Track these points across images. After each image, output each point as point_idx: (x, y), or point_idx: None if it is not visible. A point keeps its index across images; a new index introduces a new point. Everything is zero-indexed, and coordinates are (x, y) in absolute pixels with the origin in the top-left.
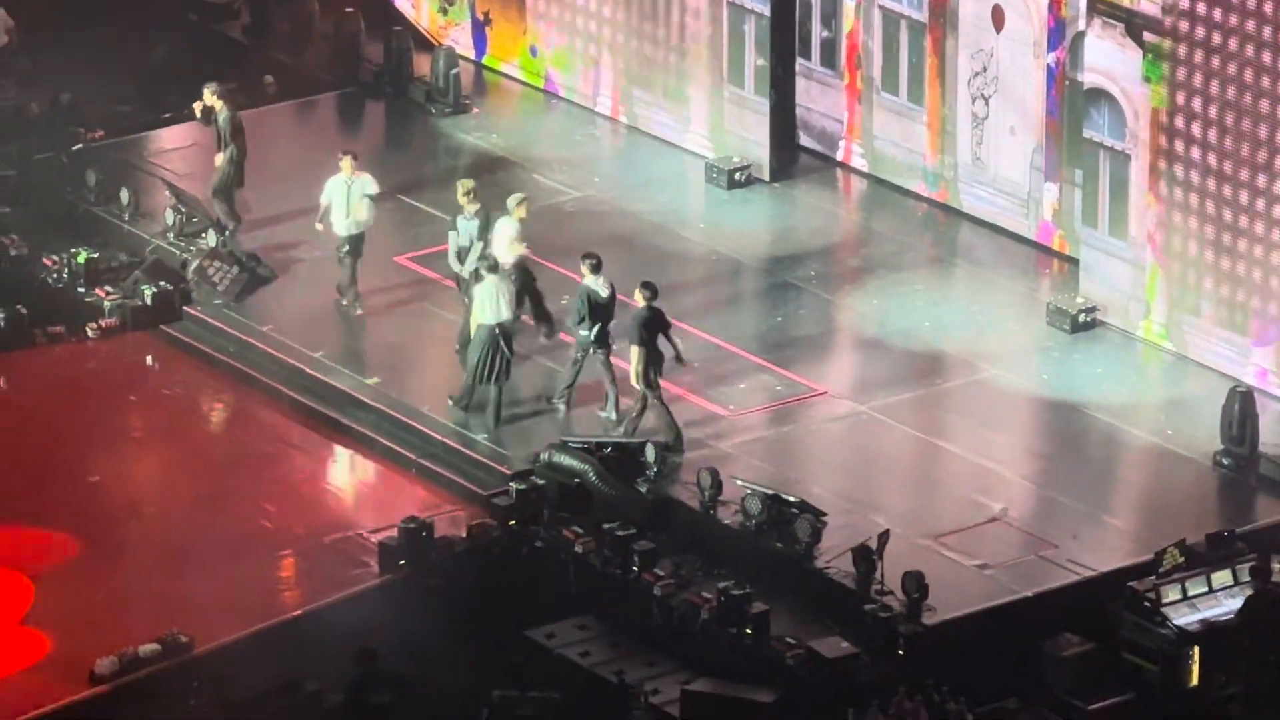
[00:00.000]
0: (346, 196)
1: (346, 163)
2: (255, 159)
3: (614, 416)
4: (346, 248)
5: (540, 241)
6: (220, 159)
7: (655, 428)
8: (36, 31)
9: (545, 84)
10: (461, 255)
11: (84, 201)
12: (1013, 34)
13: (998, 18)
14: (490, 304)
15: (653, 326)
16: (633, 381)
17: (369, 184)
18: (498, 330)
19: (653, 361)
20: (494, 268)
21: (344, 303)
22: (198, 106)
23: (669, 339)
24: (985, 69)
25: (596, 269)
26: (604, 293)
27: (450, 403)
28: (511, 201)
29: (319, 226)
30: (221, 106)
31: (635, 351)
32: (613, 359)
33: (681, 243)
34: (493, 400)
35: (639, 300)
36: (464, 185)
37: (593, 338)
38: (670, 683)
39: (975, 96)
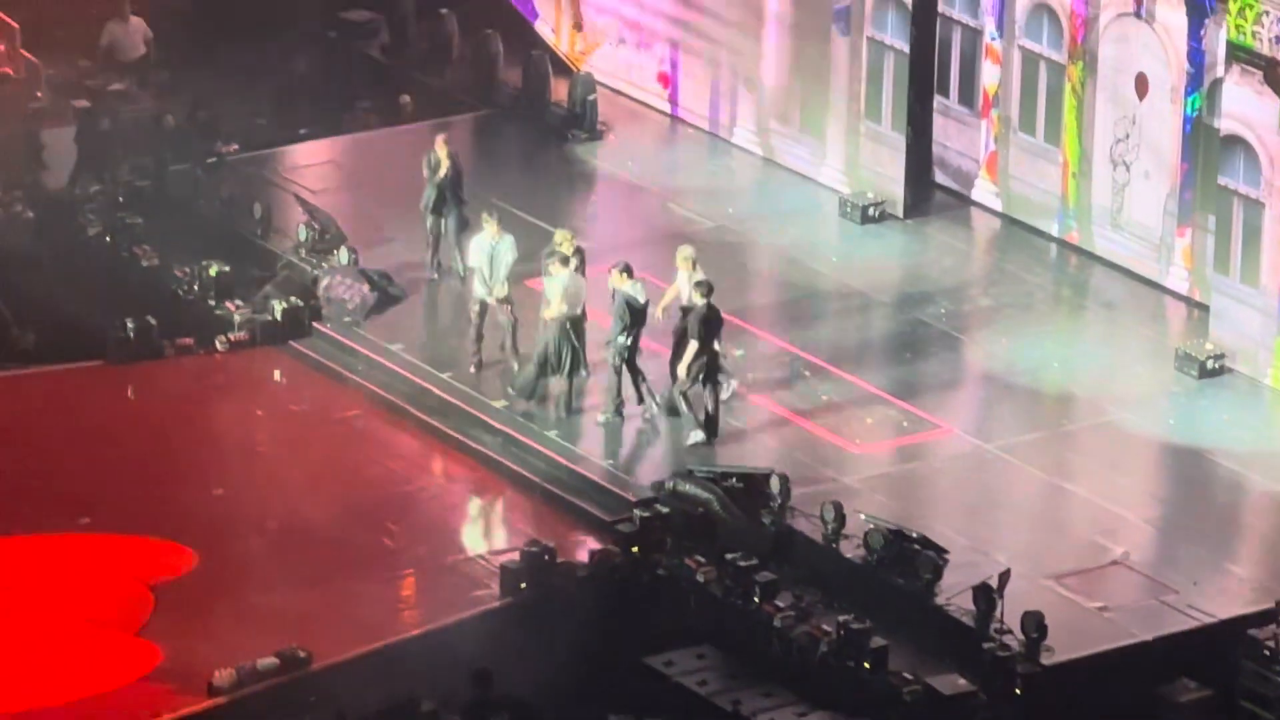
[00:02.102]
0: (490, 258)
1: (491, 224)
2: (390, 178)
3: (655, 408)
4: (479, 309)
5: (671, 272)
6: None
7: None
8: (175, 43)
9: (682, 113)
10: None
11: (217, 214)
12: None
13: (1141, 85)
14: (561, 297)
15: (712, 325)
16: (680, 370)
17: (511, 248)
18: (568, 324)
19: (706, 359)
20: (566, 261)
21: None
22: (432, 158)
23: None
24: (1128, 135)
25: (629, 273)
26: (641, 299)
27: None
28: (680, 255)
29: (481, 292)
30: (448, 162)
31: (692, 347)
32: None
33: (813, 276)
34: (564, 392)
35: (697, 299)
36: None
37: (629, 343)
38: (787, 714)
39: (1117, 163)
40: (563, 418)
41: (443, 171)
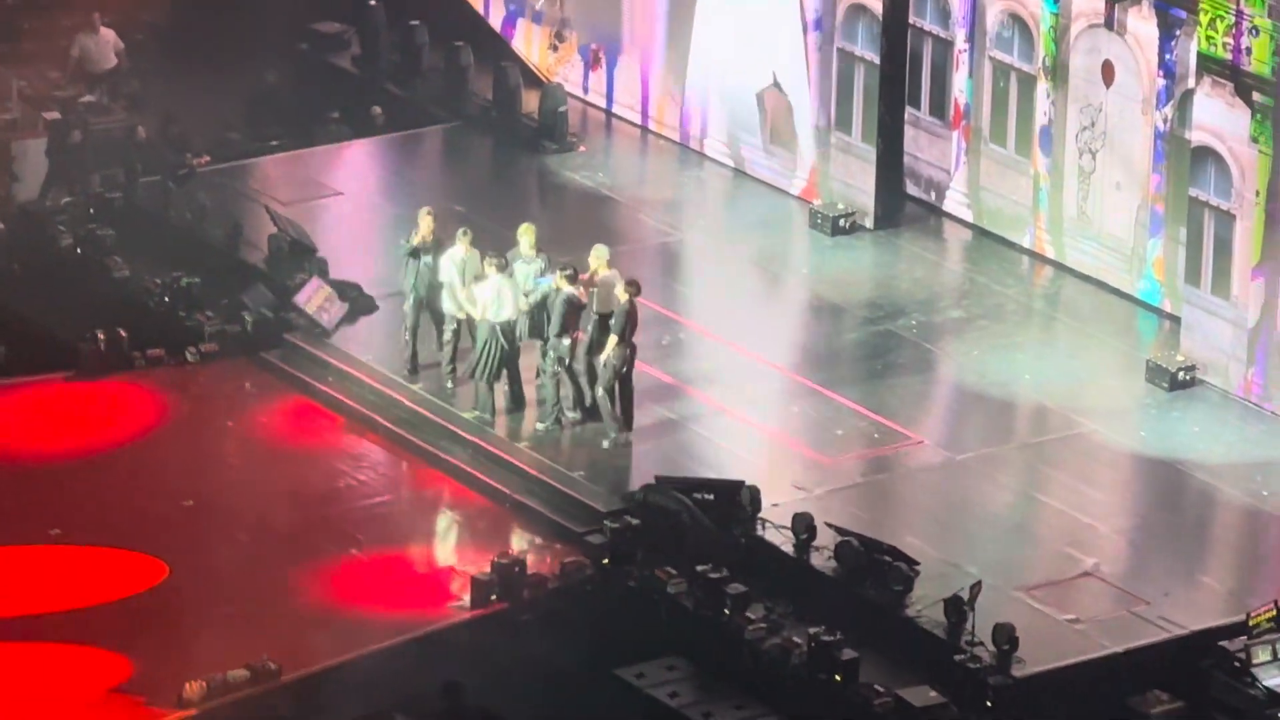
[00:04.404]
0: (462, 274)
1: (464, 241)
2: (361, 189)
3: (579, 415)
4: (454, 326)
5: (643, 282)
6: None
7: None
8: (146, 55)
9: (652, 124)
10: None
11: (188, 226)
12: (1122, 90)
13: (1107, 73)
14: (494, 303)
15: (633, 321)
16: (602, 356)
17: (477, 265)
18: (498, 328)
19: (627, 353)
20: (502, 268)
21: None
22: (417, 239)
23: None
24: (1094, 123)
25: (573, 279)
26: (583, 300)
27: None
28: (596, 255)
29: (451, 308)
30: (429, 236)
31: (613, 340)
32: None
33: (783, 288)
34: (486, 395)
35: (622, 296)
36: (529, 231)
37: (566, 345)
38: None
39: (1083, 150)
40: (486, 418)
41: (416, 240)
